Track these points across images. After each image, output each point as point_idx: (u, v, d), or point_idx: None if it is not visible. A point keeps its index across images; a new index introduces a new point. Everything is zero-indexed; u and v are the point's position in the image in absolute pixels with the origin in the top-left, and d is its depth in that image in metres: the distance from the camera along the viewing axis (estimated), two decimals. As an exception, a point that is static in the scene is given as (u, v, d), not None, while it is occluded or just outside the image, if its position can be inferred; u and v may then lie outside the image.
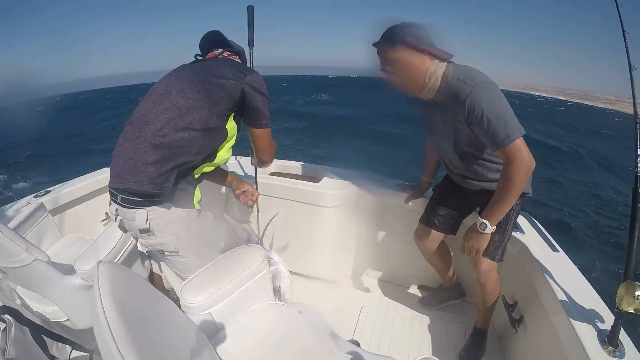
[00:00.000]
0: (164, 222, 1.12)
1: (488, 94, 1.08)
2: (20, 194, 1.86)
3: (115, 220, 1.18)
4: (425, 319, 1.74)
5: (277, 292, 1.28)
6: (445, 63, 1.18)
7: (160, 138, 1.07)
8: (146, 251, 1.39)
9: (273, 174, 2.08)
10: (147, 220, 1.09)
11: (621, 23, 1.09)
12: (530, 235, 1.50)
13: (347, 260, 2.04)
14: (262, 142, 1.30)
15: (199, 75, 1.14)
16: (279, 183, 1.88)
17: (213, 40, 1.33)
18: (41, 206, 1.54)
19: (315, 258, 1.95)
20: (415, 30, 1.15)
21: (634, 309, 0.85)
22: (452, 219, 1.55)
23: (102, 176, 2.07)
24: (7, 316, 0.92)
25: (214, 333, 0.97)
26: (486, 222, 1.19)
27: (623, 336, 0.97)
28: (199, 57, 1.34)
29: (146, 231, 1.12)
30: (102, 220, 2.18)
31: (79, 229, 1.95)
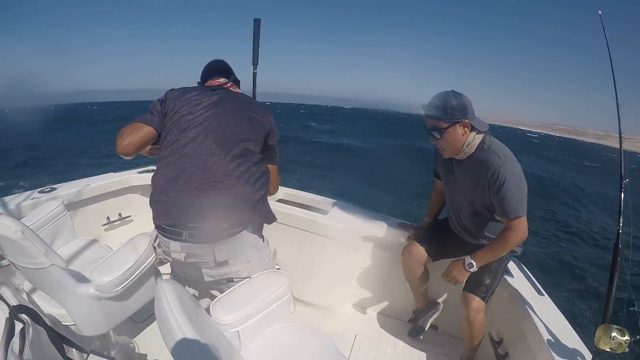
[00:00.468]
0: (240, 250, 1.13)
1: (514, 172, 1.28)
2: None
3: (182, 257, 1.14)
4: (415, 352, 1.79)
5: None
6: (482, 134, 1.35)
7: (229, 172, 1.09)
8: (175, 276, 1.37)
9: (280, 201, 2.16)
10: (226, 251, 1.10)
11: (611, 64, 1.29)
12: (518, 279, 1.61)
13: (346, 290, 2.09)
14: (270, 176, 1.36)
15: (244, 110, 1.20)
16: (287, 211, 1.95)
17: (219, 69, 1.38)
18: (61, 204, 1.55)
19: (316, 285, 2.00)
20: (461, 101, 1.31)
21: (610, 348, 0.96)
22: (442, 253, 1.68)
23: (106, 182, 2.13)
24: (24, 316, 0.91)
25: (238, 349, 1.02)
26: (474, 262, 1.43)
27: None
28: (199, 83, 1.37)
29: (224, 263, 1.12)
30: (103, 225, 2.22)
31: (84, 230, 1.96)
